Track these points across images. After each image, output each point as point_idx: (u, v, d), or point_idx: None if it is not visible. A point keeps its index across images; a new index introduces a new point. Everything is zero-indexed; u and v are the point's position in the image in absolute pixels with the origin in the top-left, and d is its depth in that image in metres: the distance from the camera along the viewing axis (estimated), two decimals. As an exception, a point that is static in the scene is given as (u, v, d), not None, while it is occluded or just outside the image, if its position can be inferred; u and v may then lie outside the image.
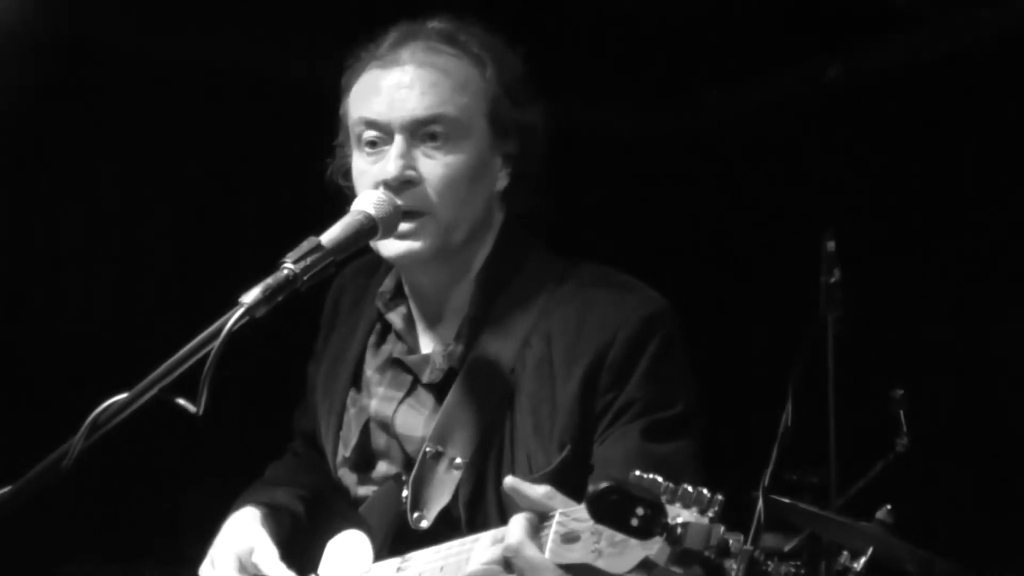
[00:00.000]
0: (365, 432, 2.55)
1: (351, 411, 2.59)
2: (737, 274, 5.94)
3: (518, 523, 2.02)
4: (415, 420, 2.48)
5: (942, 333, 5.15)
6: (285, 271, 2.15)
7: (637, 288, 2.44)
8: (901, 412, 4.32)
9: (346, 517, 2.51)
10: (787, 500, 3.79)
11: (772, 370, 3.83)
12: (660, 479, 1.79)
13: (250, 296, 2.11)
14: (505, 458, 2.37)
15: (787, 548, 4.28)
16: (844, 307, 3.93)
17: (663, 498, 1.77)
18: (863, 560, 3.79)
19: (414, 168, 2.39)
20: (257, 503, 2.60)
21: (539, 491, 2.03)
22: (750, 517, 3.63)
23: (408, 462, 2.46)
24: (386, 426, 2.52)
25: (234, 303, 2.11)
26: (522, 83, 2.49)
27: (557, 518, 1.98)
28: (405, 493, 2.41)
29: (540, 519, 2.02)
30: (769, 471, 3.67)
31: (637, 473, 1.78)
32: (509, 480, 2.08)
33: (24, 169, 5.15)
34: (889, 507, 3.93)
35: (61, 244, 5.32)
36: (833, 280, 3.92)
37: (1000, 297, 5.04)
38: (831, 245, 3.94)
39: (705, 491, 1.78)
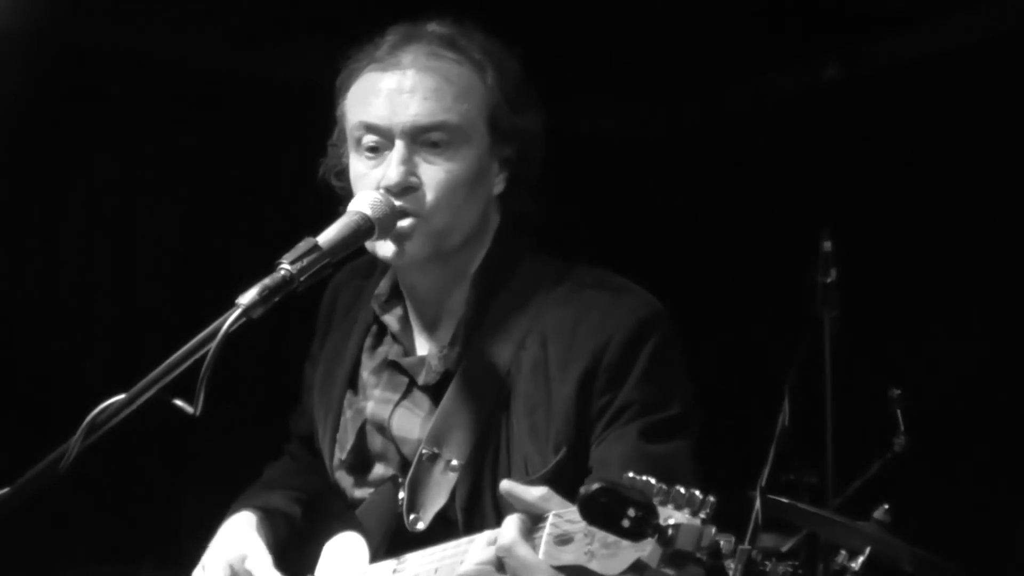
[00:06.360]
0: (361, 435, 2.55)
1: (347, 414, 2.59)
2: (734, 273, 5.94)
3: (511, 523, 2.02)
4: (411, 422, 2.47)
5: (939, 332, 5.15)
6: (282, 272, 2.15)
7: (632, 291, 2.44)
8: (898, 411, 4.32)
9: (343, 519, 2.50)
10: (785, 500, 3.79)
11: (769, 370, 3.84)
12: (653, 481, 1.78)
13: (247, 297, 2.11)
14: (501, 460, 2.37)
15: (785, 548, 4.27)
16: (841, 307, 3.94)
17: (656, 500, 1.76)
18: (860, 559, 3.79)
19: (415, 174, 2.38)
20: (252, 507, 2.60)
21: (535, 493, 2.03)
22: (748, 517, 3.63)
23: (404, 464, 2.45)
24: (382, 428, 2.51)
25: (231, 304, 2.11)
26: (521, 88, 2.48)
27: (551, 519, 1.98)
28: (401, 495, 2.41)
29: (534, 520, 2.02)
30: (766, 471, 3.68)
31: (631, 475, 1.78)
32: (505, 483, 2.08)
33: (24, 169, 5.14)
34: (886, 506, 3.93)
35: (60, 245, 5.32)
36: (830, 280, 3.92)
37: (998, 295, 5.04)
38: (828, 244, 3.94)
39: (697, 493, 1.78)
